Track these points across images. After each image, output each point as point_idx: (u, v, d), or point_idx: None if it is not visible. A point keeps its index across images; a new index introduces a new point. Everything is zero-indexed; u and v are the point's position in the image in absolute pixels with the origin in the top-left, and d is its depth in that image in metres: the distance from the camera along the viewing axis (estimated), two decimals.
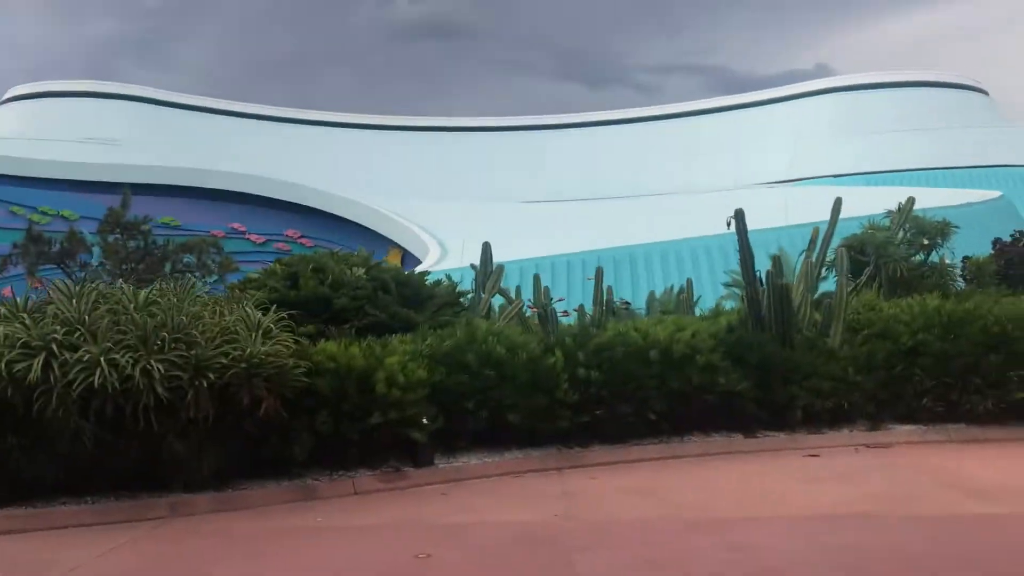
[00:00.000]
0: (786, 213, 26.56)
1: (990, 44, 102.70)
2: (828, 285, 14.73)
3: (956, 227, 15.53)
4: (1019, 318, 11.72)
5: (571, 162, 56.37)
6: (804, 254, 14.16)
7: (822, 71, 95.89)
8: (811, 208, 23.07)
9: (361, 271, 12.39)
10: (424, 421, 9.72)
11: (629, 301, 16.41)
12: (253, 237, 42.48)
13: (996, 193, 31.65)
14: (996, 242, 18.81)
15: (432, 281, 14.03)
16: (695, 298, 15.79)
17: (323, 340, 10.23)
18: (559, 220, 38.19)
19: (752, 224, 22.89)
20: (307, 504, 8.93)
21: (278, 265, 12.74)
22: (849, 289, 14.30)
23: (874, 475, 9.64)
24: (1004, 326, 11.57)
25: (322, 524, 8.20)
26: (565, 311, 15.28)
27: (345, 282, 12.09)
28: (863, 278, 14.80)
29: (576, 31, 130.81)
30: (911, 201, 15.49)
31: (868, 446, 11.16)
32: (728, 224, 12.17)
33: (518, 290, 15.24)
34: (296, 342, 9.30)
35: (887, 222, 15.65)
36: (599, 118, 60.97)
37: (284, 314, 9.44)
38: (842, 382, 11.56)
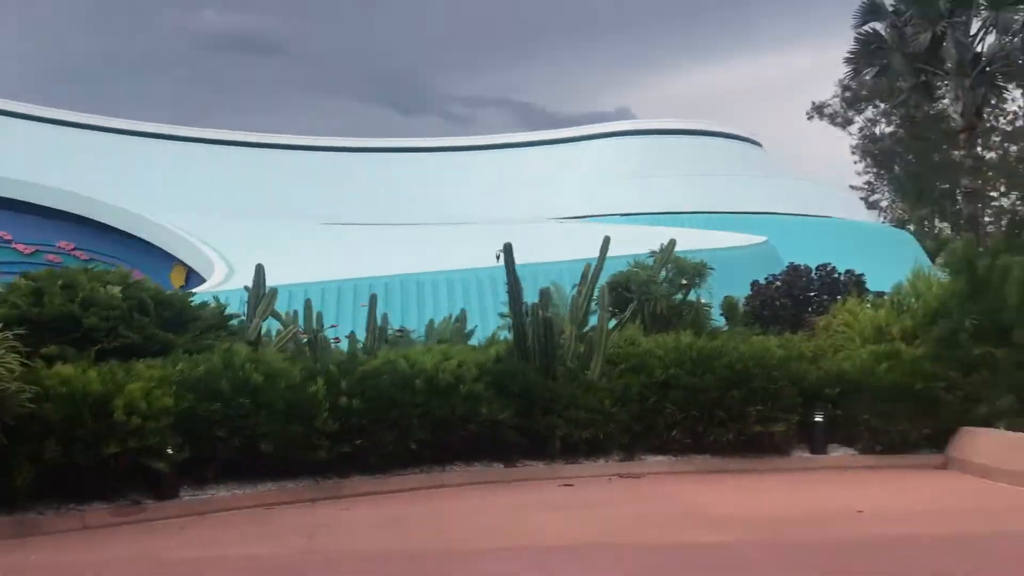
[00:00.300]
0: (574, 247, 27.45)
1: (766, 102, 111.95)
2: None
3: (712, 268, 16.63)
4: (759, 356, 12.60)
5: (378, 186, 55.95)
6: (576, 288, 14.72)
7: (623, 114, 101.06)
8: (599, 244, 24.04)
9: (116, 289, 11.68)
10: (168, 451, 9.25)
11: (404, 329, 16.41)
12: (21, 247, 39.25)
13: (762, 238, 34.28)
14: (754, 284, 20.24)
15: (199, 302, 13.46)
16: (471, 327, 16.01)
17: (61, 362, 9.55)
18: (358, 243, 37.74)
19: (541, 257, 23.45)
20: (27, 540, 8.26)
21: (23, 279, 11.81)
22: (613, 324, 14.99)
23: (621, 505, 10.03)
24: (746, 363, 12.40)
25: (36, 562, 7.60)
26: (337, 338, 15.08)
27: (97, 300, 11.35)
28: (627, 313, 15.50)
29: (391, 57, 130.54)
30: (672, 243, 16.45)
31: (621, 476, 11.63)
32: (497, 257, 12.44)
33: (295, 314, 14.89)
34: (24, 364, 8.62)
35: (651, 261, 16.54)
36: (408, 144, 60.97)
37: (12, 334, 8.73)
38: (599, 413, 11.99)
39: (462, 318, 15.66)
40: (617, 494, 10.60)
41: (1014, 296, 12.33)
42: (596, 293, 14.49)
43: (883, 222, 58.37)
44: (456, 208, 52.03)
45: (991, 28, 24.38)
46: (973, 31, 24.82)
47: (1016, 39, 24.20)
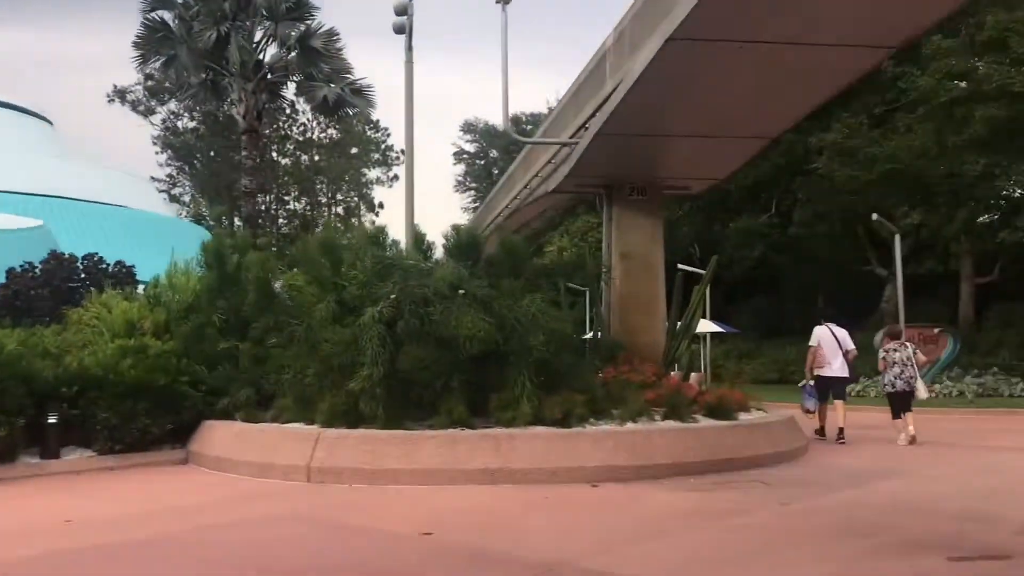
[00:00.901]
0: None
1: (70, 79, 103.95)
2: None
3: None
4: None
5: None
6: None
7: None
8: None
9: None
10: None
11: None
12: None
13: (38, 222, 31.32)
14: (9, 271, 18.20)
15: None
16: None
17: None
18: None
19: None
20: None
21: None
22: None
23: None
24: None
25: None
26: None
27: None
28: None
29: None
30: None
31: None
32: None
33: None
34: None
35: None
36: None
37: None
38: None
39: None
40: None
41: (252, 293, 12.88)
42: None
43: (184, 216, 58.70)
44: None
45: (272, 38, 25.80)
46: (257, 38, 25.99)
47: (293, 53, 25.96)
